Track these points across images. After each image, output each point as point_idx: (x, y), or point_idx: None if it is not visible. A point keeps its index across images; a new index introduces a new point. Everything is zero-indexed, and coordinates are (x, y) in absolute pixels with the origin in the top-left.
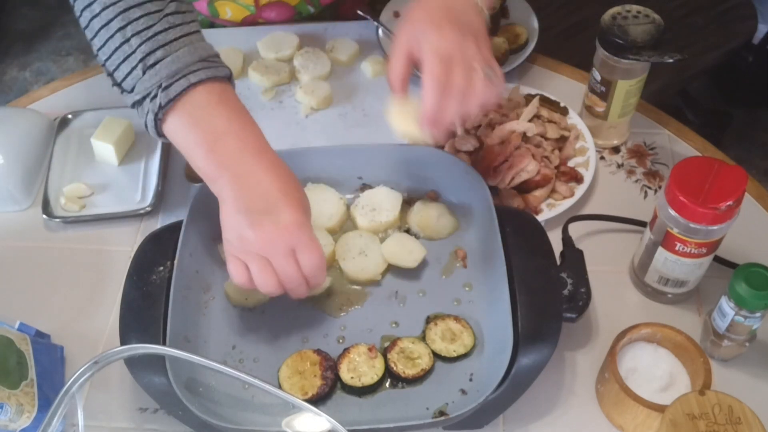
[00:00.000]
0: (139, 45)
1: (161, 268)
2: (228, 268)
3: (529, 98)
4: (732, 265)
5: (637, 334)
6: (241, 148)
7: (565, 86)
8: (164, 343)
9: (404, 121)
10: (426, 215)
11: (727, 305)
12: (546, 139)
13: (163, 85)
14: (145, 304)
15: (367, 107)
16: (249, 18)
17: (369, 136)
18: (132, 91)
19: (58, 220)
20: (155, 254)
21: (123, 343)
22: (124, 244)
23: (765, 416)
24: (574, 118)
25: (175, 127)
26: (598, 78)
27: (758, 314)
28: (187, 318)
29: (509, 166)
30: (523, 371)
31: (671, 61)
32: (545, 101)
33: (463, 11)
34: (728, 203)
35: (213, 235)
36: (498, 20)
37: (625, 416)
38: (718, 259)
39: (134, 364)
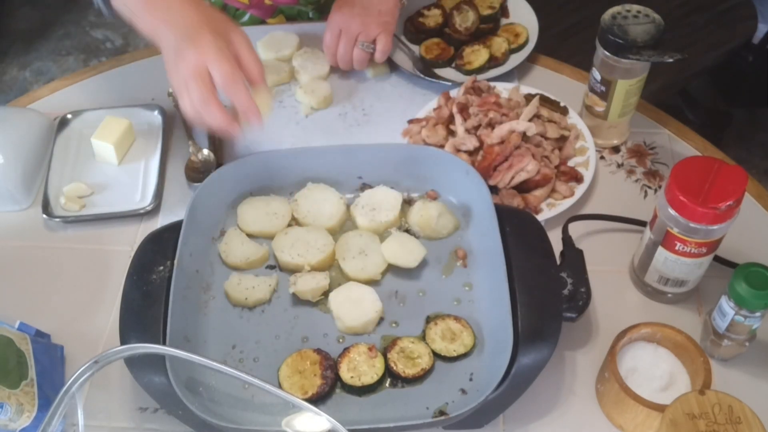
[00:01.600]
0: None
1: (161, 267)
2: (180, 104)
3: (529, 98)
4: (732, 264)
5: (637, 333)
6: None
7: (565, 86)
8: (164, 343)
9: None
10: (426, 215)
11: (727, 305)
12: (546, 138)
13: None
14: (145, 304)
15: (367, 107)
16: (255, 0)
17: (369, 136)
18: None
19: (58, 219)
20: (155, 254)
21: (123, 342)
22: (124, 244)
23: (765, 416)
24: (574, 118)
25: None
26: (598, 77)
27: (758, 314)
28: (187, 318)
29: (509, 166)
30: (523, 371)
31: (671, 60)
32: (545, 101)
33: None
34: (728, 203)
35: (213, 235)
36: (498, 20)
37: (625, 416)
38: (718, 259)
39: (134, 363)
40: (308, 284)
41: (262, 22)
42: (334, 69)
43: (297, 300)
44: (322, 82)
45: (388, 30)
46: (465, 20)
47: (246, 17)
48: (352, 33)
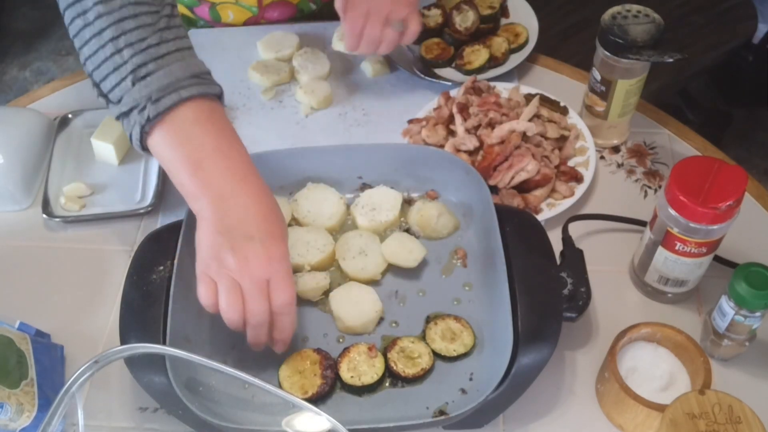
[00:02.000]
0: (132, 56)
1: (161, 267)
2: (197, 288)
3: (529, 98)
4: (732, 264)
5: (637, 333)
6: (228, 167)
7: (565, 86)
8: (164, 343)
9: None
10: (426, 215)
11: (727, 305)
12: (546, 138)
13: (153, 98)
14: (145, 304)
15: (367, 107)
16: (251, 19)
17: (369, 135)
18: (119, 102)
19: (58, 219)
20: (155, 254)
21: (123, 342)
22: (124, 244)
23: (765, 416)
24: (574, 118)
25: (161, 141)
26: (598, 77)
27: (758, 314)
28: (187, 317)
29: (509, 166)
30: (523, 371)
31: (671, 60)
32: (545, 101)
33: None
34: (728, 203)
35: None
36: (498, 20)
37: (625, 416)
38: (718, 259)
39: (134, 363)
40: (309, 284)
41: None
42: (334, 69)
43: (297, 300)
44: (322, 82)
45: (416, 9)
46: (465, 20)
47: None
48: (382, 12)
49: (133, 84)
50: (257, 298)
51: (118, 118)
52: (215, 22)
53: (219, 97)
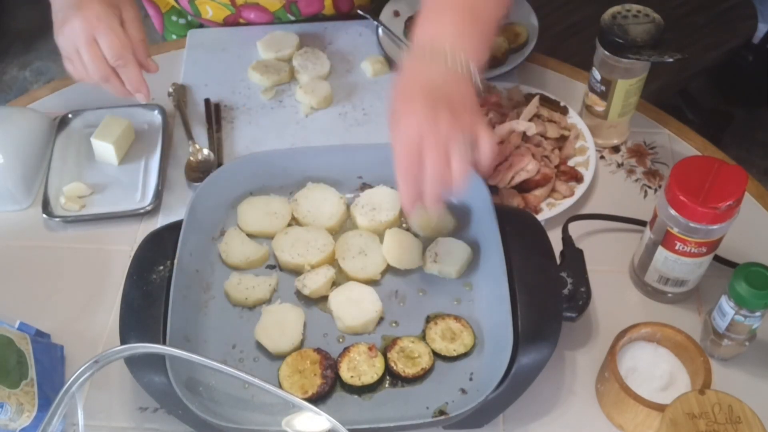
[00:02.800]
0: None
1: (161, 267)
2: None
3: (529, 97)
4: (732, 264)
5: (637, 333)
6: None
7: (565, 85)
8: (164, 343)
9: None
10: (426, 214)
11: (727, 304)
12: (546, 138)
13: None
14: (145, 304)
15: (367, 107)
16: (230, 17)
17: (369, 135)
18: None
19: (58, 219)
20: (155, 254)
21: (123, 342)
22: (123, 244)
23: (765, 416)
24: (574, 118)
25: None
26: (598, 77)
27: (758, 313)
28: (187, 317)
29: (509, 166)
30: (523, 371)
31: (671, 60)
32: (545, 100)
33: (441, 79)
34: (728, 203)
35: (213, 234)
36: None
37: (625, 416)
38: (718, 259)
39: (134, 363)
40: (317, 281)
41: None
42: (335, 69)
43: (297, 299)
44: (322, 81)
45: (482, 120)
46: None
47: None
48: (441, 136)
49: None
50: (90, 54)
51: None
52: (197, 16)
53: None
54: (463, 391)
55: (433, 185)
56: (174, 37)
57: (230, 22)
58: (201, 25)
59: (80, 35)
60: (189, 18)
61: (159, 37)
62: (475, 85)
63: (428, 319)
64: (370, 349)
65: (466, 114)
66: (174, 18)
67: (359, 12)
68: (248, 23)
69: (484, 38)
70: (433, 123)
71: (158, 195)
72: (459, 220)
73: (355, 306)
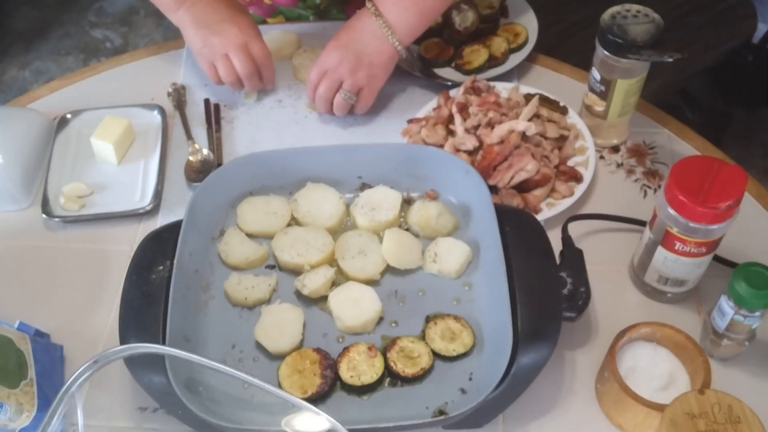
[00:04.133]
0: None
1: (161, 267)
2: (205, 71)
3: (528, 97)
4: (732, 264)
5: (636, 333)
6: None
7: (564, 85)
8: (164, 343)
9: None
10: (425, 214)
11: (726, 304)
12: (545, 138)
13: None
14: (145, 304)
15: None
16: None
17: (369, 135)
18: None
19: (57, 219)
20: (155, 254)
21: (122, 342)
22: (123, 244)
23: (765, 415)
24: (573, 118)
25: None
26: (598, 77)
27: (758, 313)
28: (187, 317)
29: (509, 166)
30: (523, 370)
31: (671, 60)
32: (545, 100)
33: (364, 43)
34: (728, 203)
35: (213, 234)
36: (498, 19)
37: (625, 415)
38: (717, 259)
39: (134, 363)
40: (317, 281)
41: (263, 21)
42: None
43: (297, 299)
44: None
45: (373, 85)
46: (464, 20)
47: None
48: (336, 77)
49: None
50: (243, 58)
51: None
52: None
53: None
54: (463, 390)
55: (320, 104)
56: None
57: (255, 1)
58: None
59: (233, 41)
60: None
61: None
62: (399, 53)
63: (428, 319)
64: (369, 349)
65: (361, 74)
66: None
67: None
68: (273, 3)
69: (422, 21)
70: (337, 63)
71: (158, 195)
72: (459, 219)
73: (354, 306)
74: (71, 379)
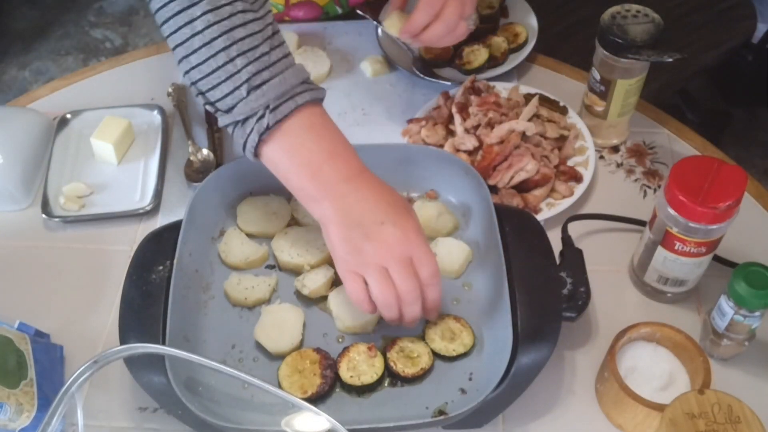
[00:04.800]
0: (245, 65)
1: (161, 267)
2: (346, 288)
3: (528, 97)
4: (731, 264)
5: (636, 333)
6: (344, 168)
7: (564, 85)
8: (164, 343)
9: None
10: (425, 214)
11: (726, 304)
12: (545, 138)
13: (271, 107)
14: (145, 304)
15: (367, 107)
16: (276, 16)
17: (369, 135)
18: (229, 111)
19: (57, 219)
20: (155, 254)
21: (122, 342)
22: (123, 244)
23: (764, 415)
24: (573, 118)
25: (279, 149)
26: (598, 77)
27: (757, 313)
28: (187, 317)
29: (508, 166)
30: (523, 370)
31: (670, 60)
32: (545, 100)
33: None
34: (728, 203)
35: (212, 234)
36: (497, 19)
37: (625, 415)
38: (717, 259)
39: (134, 363)
40: (317, 281)
41: None
42: (335, 68)
43: (296, 299)
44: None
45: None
46: None
47: None
48: (460, 0)
49: (248, 93)
50: (406, 276)
51: (228, 126)
52: None
53: (322, 99)
54: (463, 390)
55: (439, 31)
56: None
57: (276, 20)
58: None
59: (397, 250)
60: None
61: None
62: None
63: (427, 319)
64: (369, 348)
65: (471, 3)
66: None
67: (358, 12)
68: (292, 21)
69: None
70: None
71: (158, 195)
72: (458, 219)
73: (354, 306)
74: (71, 379)
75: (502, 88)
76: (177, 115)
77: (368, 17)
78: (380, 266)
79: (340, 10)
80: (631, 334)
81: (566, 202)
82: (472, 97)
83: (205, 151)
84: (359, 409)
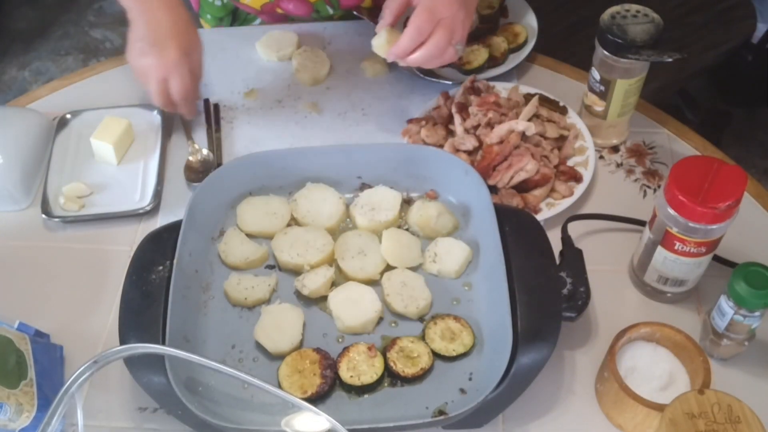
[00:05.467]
0: None
1: (160, 267)
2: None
3: (528, 97)
4: (731, 264)
5: (636, 333)
6: None
7: (564, 85)
8: (163, 343)
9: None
10: (425, 214)
11: (726, 304)
12: (545, 138)
13: None
14: (145, 304)
15: (367, 107)
16: (268, 6)
17: (368, 135)
18: None
19: (57, 219)
20: (154, 254)
21: (122, 342)
22: (123, 244)
23: (764, 415)
24: (573, 118)
25: None
26: (598, 77)
27: (757, 313)
28: (187, 317)
29: (508, 166)
30: (523, 370)
31: (670, 60)
32: (544, 100)
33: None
34: (727, 203)
35: (212, 234)
36: (497, 19)
37: (625, 415)
38: (717, 258)
39: (133, 363)
40: (316, 281)
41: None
42: (334, 68)
43: (296, 300)
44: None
45: (467, 30)
46: None
47: (257, 22)
48: (453, 26)
49: None
50: (157, 91)
51: None
52: (235, 0)
53: None
54: (463, 390)
55: (427, 55)
56: (209, 17)
57: (267, 10)
58: (236, 9)
59: (154, 73)
60: (225, 0)
61: (194, 16)
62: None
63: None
64: (369, 348)
65: (467, 22)
66: None
67: (354, 13)
68: (285, 13)
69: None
70: (453, 16)
71: (157, 195)
72: (458, 219)
73: (354, 306)
74: (71, 380)
75: (502, 88)
76: (177, 116)
77: (364, 18)
78: (145, 79)
79: (331, 11)
80: (630, 334)
81: (566, 202)
82: (472, 97)
83: (204, 151)
84: (359, 409)
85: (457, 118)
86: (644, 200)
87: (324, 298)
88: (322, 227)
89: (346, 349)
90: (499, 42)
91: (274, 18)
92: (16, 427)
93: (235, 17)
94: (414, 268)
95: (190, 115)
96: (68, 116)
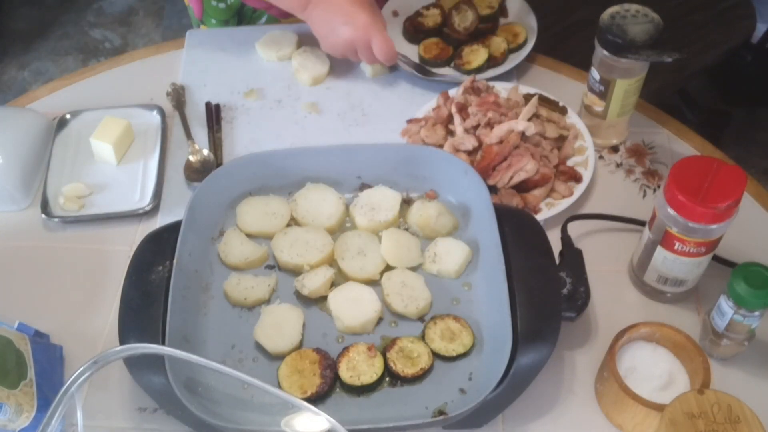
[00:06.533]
0: None
1: (160, 267)
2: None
3: (528, 97)
4: (731, 264)
5: (636, 333)
6: None
7: (564, 85)
8: (163, 343)
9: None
10: (425, 214)
11: (726, 304)
12: (545, 138)
13: None
14: (144, 304)
15: (366, 107)
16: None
17: (368, 135)
18: None
19: (57, 219)
20: (154, 254)
21: (122, 342)
22: (123, 244)
23: (764, 415)
24: (573, 118)
25: None
26: (597, 77)
27: (757, 313)
28: (186, 318)
29: (508, 166)
30: (522, 370)
31: (670, 60)
32: (544, 100)
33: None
34: (727, 203)
35: (212, 234)
36: (497, 19)
37: (625, 415)
38: (717, 258)
39: (133, 363)
40: (316, 281)
41: (276, 21)
42: (334, 68)
43: (296, 300)
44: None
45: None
46: (464, 20)
47: (264, 18)
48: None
49: None
50: (367, 55)
51: None
52: None
53: None
54: (463, 391)
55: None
56: (213, 21)
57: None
58: (241, 9)
59: (359, 41)
60: (229, 1)
61: (197, 23)
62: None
63: (427, 319)
64: (369, 349)
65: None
66: (214, 2)
67: None
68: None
69: None
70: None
71: (157, 195)
72: (458, 219)
73: (354, 306)
74: (71, 380)
75: (502, 88)
76: (176, 115)
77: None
78: (353, 50)
79: None
80: (630, 334)
81: (566, 202)
82: (472, 97)
83: (204, 151)
84: (359, 409)
85: (456, 118)
86: (644, 200)
87: (324, 298)
88: (322, 227)
89: (345, 349)
90: (499, 42)
91: (279, 11)
92: (15, 428)
93: (241, 17)
94: (414, 268)
95: (391, 61)
96: (68, 116)
